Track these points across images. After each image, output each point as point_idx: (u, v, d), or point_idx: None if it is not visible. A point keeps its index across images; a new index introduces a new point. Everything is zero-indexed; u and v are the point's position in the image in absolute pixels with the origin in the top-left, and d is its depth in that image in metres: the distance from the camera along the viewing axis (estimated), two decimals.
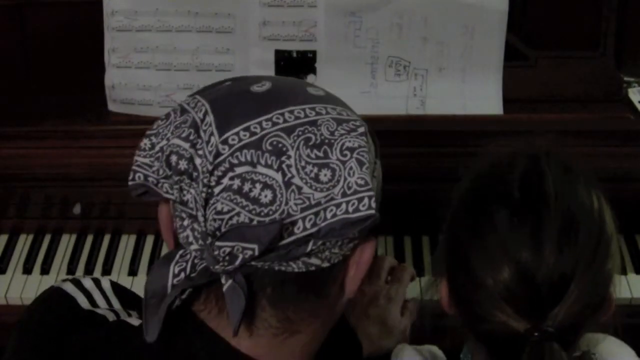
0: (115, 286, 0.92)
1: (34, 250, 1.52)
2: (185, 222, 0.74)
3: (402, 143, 1.41)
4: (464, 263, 0.81)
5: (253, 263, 0.71)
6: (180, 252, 0.75)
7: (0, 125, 1.46)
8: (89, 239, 1.54)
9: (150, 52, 1.45)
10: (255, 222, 0.69)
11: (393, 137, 1.40)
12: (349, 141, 0.72)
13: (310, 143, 0.71)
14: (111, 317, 0.84)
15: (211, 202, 0.70)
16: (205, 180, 0.70)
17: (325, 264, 0.73)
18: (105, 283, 0.91)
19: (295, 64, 1.44)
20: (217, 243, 0.70)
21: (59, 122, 1.47)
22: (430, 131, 1.42)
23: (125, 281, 1.47)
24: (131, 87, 1.47)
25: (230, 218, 0.70)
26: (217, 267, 0.71)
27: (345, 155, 0.71)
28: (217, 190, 0.70)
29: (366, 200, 0.70)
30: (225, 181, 0.70)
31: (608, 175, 1.36)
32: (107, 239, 1.54)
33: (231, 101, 0.74)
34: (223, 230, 0.70)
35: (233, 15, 1.43)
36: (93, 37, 1.46)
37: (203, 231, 0.72)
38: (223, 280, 0.72)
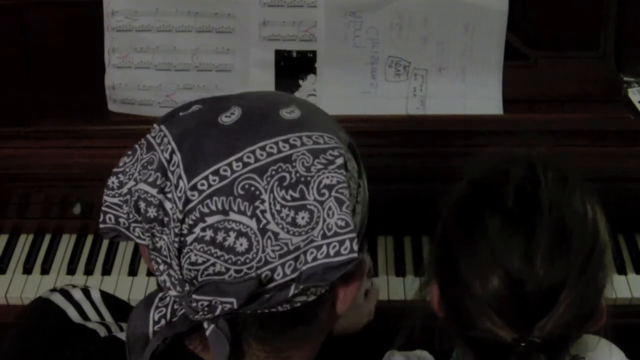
0: (105, 296, 0.91)
1: (34, 250, 1.52)
2: (162, 267, 0.71)
3: (402, 143, 1.41)
4: (454, 268, 0.80)
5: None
6: (160, 295, 0.74)
7: (0, 125, 1.46)
8: (89, 239, 1.54)
9: (150, 52, 1.45)
10: (232, 272, 0.67)
11: (393, 137, 1.41)
12: (327, 177, 0.68)
13: (285, 183, 0.67)
14: (102, 331, 0.82)
15: (184, 251, 0.68)
16: (176, 230, 0.67)
17: (312, 298, 0.70)
18: (95, 293, 0.90)
19: (295, 64, 1.44)
20: (194, 296, 0.68)
21: (59, 122, 1.47)
22: (430, 131, 1.42)
23: (125, 281, 1.46)
24: (131, 87, 1.47)
25: (206, 269, 0.67)
26: (196, 317, 0.70)
27: (322, 195, 0.67)
28: (189, 239, 0.67)
29: (347, 243, 0.66)
30: (197, 231, 0.67)
31: (608, 175, 1.37)
32: None
33: (198, 137, 0.69)
34: (200, 279, 0.68)
35: (233, 15, 1.43)
36: (93, 37, 1.46)
37: (180, 278, 0.70)
38: (205, 325, 0.70)
